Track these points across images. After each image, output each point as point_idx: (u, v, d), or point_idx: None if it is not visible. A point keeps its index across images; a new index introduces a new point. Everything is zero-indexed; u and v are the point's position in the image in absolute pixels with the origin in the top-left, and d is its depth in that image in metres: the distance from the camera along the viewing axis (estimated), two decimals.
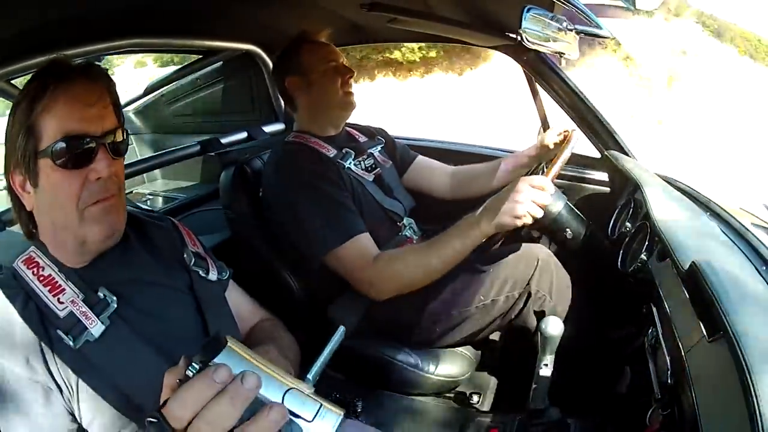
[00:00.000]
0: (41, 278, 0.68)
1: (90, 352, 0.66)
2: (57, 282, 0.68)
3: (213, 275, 0.84)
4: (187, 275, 0.81)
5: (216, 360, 0.42)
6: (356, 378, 1.27)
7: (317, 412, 0.44)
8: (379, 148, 1.43)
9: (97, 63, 1.61)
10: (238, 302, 0.91)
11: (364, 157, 1.35)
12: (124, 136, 0.71)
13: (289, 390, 0.44)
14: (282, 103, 1.79)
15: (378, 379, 1.24)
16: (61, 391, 0.65)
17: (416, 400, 1.25)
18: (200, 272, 0.82)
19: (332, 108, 1.30)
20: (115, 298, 0.70)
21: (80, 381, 0.65)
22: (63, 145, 0.64)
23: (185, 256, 0.82)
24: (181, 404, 0.38)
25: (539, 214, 1.04)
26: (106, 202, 0.68)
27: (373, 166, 1.35)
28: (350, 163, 1.28)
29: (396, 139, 1.54)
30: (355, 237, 1.13)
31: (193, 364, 0.41)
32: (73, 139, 0.64)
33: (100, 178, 0.66)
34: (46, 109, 0.64)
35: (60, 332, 0.65)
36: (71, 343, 0.65)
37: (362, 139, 1.43)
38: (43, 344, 0.64)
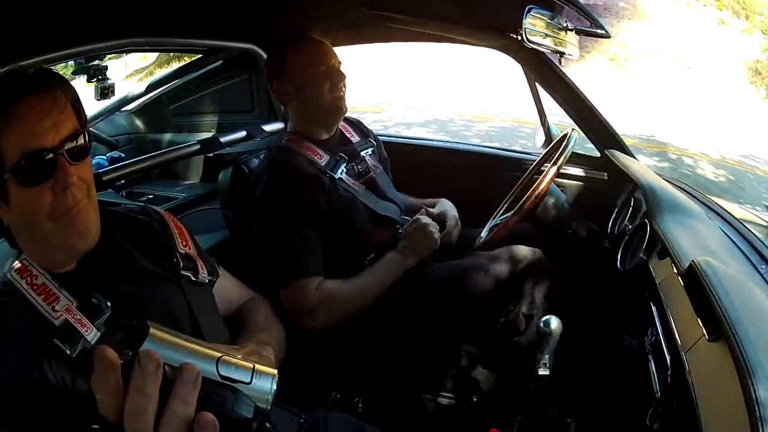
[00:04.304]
0: (35, 287, 0.68)
1: (88, 359, 0.66)
2: (51, 290, 0.68)
3: (203, 277, 0.84)
4: (173, 266, 0.81)
5: (143, 347, 0.44)
6: (356, 377, 1.27)
7: (252, 374, 0.47)
8: (370, 150, 1.42)
9: (87, 64, 1.61)
10: (227, 287, 0.92)
11: (357, 161, 1.33)
12: (86, 138, 0.70)
13: (219, 359, 0.46)
14: None
15: (378, 378, 1.23)
16: (57, 397, 0.65)
17: (416, 399, 1.24)
18: (191, 276, 0.82)
19: (321, 114, 1.27)
20: (109, 303, 0.69)
21: (77, 387, 0.65)
22: (22, 163, 0.64)
23: (174, 260, 0.82)
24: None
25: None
26: (75, 207, 0.68)
27: (366, 170, 1.34)
28: (342, 172, 1.25)
29: (394, 140, 1.54)
30: (304, 278, 1.13)
31: (125, 353, 0.44)
32: (31, 156, 0.64)
33: (65, 188, 0.66)
34: (6, 129, 0.63)
35: (56, 341, 0.65)
36: (68, 351, 0.65)
37: (355, 138, 1.41)
38: (40, 354, 0.64)
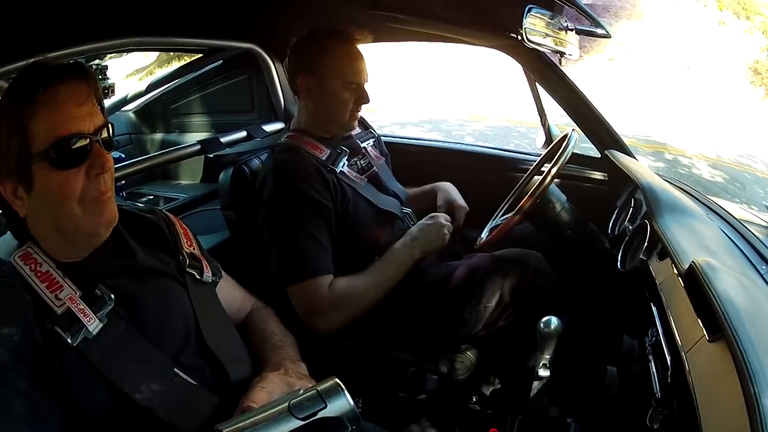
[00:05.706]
0: (39, 274, 0.68)
1: (88, 349, 0.66)
2: (54, 278, 0.68)
3: (207, 276, 0.85)
4: (178, 264, 0.82)
5: None
6: (356, 377, 1.27)
7: (321, 397, 0.48)
8: (371, 142, 1.42)
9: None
10: (231, 293, 0.93)
11: (359, 156, 1.33)
12: (110, 133, 0.71)
13: (289, 406, 0.48)
14: (282, 102, 1.79)
15: (378, 378, 1.23)
16: (55, 386, 0.65)
17: (416, 400, 1.24)
18: (195, 274, 0.83)
19: (334, 122, 1.26)
20: (112, 295, 0.70)
21: (76, 377, 0.65)
22: (59, 146, 0.64)
23: (180, 258, 0.82)
24: None
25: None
26: (104, 196, 0.69)
27: (369, 165, 1.34)
28: (344, 165, 1.24)
29: (393, 139, 1.54)
30: (315, 278, 1.13)
31: None
32: (68, 139, 0.65)
33: (99, 174, 0.67)
34: (37, 113, 0.64)
35: (58, 329, 0.65)
36: (69, 340, 0.65)
37: (355, 131, 1.39)
38: (38, 340, 0.64)
